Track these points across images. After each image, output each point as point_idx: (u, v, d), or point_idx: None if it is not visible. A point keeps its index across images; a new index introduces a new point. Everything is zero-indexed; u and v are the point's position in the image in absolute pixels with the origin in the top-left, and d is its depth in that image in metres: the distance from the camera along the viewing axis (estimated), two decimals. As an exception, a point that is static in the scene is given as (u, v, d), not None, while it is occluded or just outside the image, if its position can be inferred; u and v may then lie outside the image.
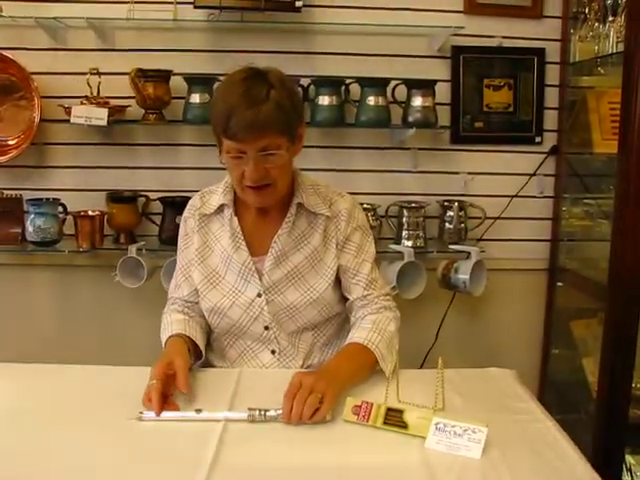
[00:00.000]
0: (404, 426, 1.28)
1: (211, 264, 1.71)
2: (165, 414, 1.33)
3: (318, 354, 1.75)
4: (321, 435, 1.29)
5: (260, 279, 1.67)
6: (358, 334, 1.61)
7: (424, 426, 1.26)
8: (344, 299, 1.75)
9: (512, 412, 1.39)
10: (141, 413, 1.33)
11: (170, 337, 1.63)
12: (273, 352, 1.71)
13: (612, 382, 2.21)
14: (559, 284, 2.67)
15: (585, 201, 2.62)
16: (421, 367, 2.60)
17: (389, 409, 1.31)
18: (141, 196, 2.61)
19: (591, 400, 2.42)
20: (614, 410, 2.23)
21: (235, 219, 1.68)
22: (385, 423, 1.29)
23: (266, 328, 1.69)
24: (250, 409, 1.32)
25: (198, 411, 1.33)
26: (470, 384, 1.52)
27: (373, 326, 1.63)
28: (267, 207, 1.68)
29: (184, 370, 1.44)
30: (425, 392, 1.44)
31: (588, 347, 2.50)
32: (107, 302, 2.69)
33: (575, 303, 2.61)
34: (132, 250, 2.47)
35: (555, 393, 2.62)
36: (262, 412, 1.31)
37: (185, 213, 1.78)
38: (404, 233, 2.56)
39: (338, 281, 1.72)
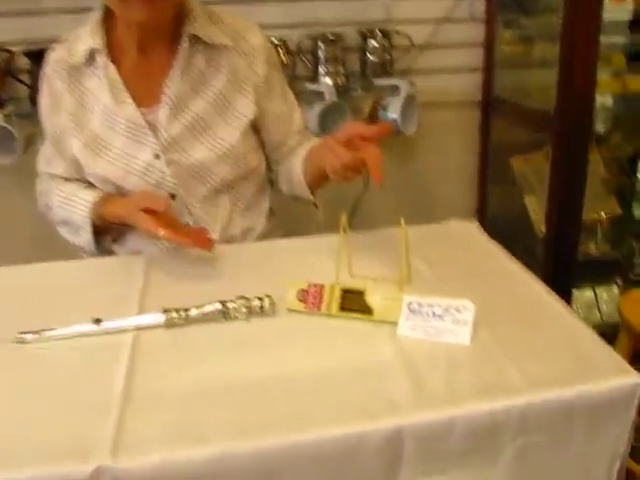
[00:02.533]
0: (367, 311, 0.99)
1: (92, 129, 1.33)
2: (53, 332, 0.99)
3: (240, 220, 1.44)
4: (261, 334, 0.99)
5: (155, 136, 1.30)
6: (314, 140, 1.45)
7: (393, 308, 0.98)
8: (260, 149, 1.46)
9: (490, 275, 1.13)
10: (22, 334, 0.98)
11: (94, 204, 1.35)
12: (186, 225, 1.38)
13: (561, 218, 2.01)
14: (495, 117, 2.39)
15: (522, 22, 2.30)
16: (351, 218, 2.33)
17: (345, 290, 1.01)
18: (1, 50, 2.11)
19: (536, 240, 2.25)
20: (563, 248, 2.05)
21: (111, 66, 1.30)
22: (342, 309, 1.01)
23: (172, 196, 1.34)
24: (166, 310, 1.00)
25: (97, 322, 0.99)
26: (430, 244, 1.24)
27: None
28: (150, 42, 1.31)
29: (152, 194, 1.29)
30: (380, 260, 1.17)
31: (530, 184, 2.28)
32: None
33: (514, 137, 2.35)
34: (-2, 117, 2.01)
35: (496, 235, 2.42)
36: (182, 312, 1.00)
37: (46, 70, 1.37)
38: (321, 69, 2.19)
39: (251, 129, 1.40)
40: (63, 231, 1.43)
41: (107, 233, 1.40)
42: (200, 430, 0.79)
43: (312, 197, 1.41)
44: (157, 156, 1.31)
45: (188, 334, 0.99)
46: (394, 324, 0.97)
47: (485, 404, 0.82)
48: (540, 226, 2.24)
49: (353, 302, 1.00)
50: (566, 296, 2.08)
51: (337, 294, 1.01)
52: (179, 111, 1.31)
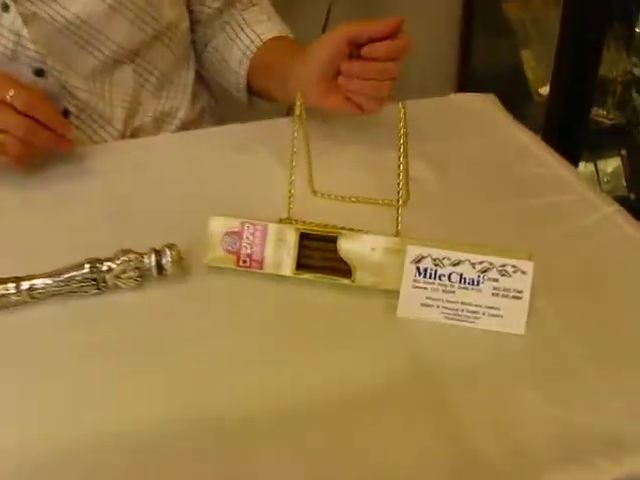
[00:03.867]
0: (344, 271, 0.55)
1: None
2: None
3: (151, 103, 0.94)
4: (162, 319, 0.55)
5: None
6: (267, 27, 0.94)
7: (389, 267, 0.54)
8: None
9: (529, 187, 0.69)
10: None
11: None
12: (65, 113, 0.89)
13: (573, 76, 1.55)
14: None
15: None
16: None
17: (305, 234, 0.57)
18: None
19: (532, 104, 1.80)
20: (573, 114, 1.61)
21: None
22: (301, 267, 0.57)
23: (39, 73, 0.84)
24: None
25: None
26: (429, 132, 0.78)
27: (272, 16, 0.97)
28: None
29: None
30: (357, 164, 0.72)
31: (527, 34, 1.79)
32: None
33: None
34: None
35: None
36: (23, 284, 0.55)
37: None
38: None
39: None
40: None
41: None
42: None
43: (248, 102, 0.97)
44: (5, 7, 0.80)
45: (31, 323, 0.54)
46: (391, 294, 0.54)
47: (573, 472, 0.42)
48: (538, 87, 1.79)
49: (319, 254, 0.56)
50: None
51: (291, 239, 0.57)
52: None
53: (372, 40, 0.72)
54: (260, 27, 0.95)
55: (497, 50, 1.90)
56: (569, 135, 1.63)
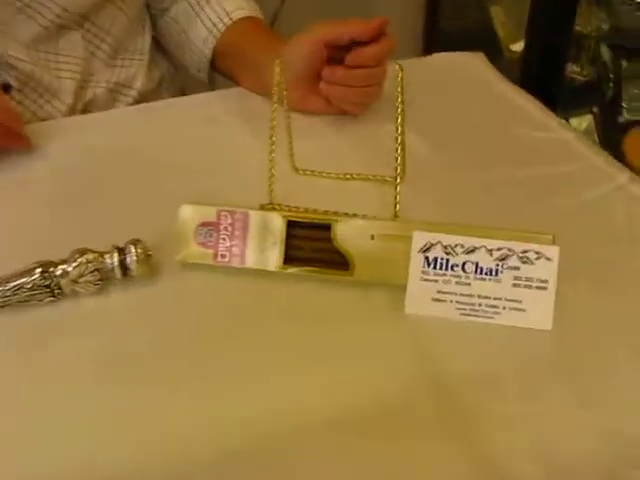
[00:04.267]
0: (339, 264, 0.48)
1: None
2: None
3: (104, 74, 0.83)
4: (128, 331, 0.46)
5: None
6: (236, 3, 0.83)
7: (393, 258, 0.47)
8: None
9: (532, 157, 0.62)
10: None
11: None
12: (6, 88, 0.78)
13: (547, 32, 1.48)
14: None
15: None
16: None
17: (293, 222, 0.49)
18: None
19: (503, 61, 1.72)
20: (547, 71, 1.54)
21: None
22: (289, 261, 0.49)
23: (-29, 42, 0.74)
24: None
25: None
26: (420, 98, 0.70)
27: None
28: None
29: None
30: (345, 139, 0.65)
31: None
32: None
33: None
34: None
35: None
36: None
37: None
38: None
39: None
40: None
41: None
42: None
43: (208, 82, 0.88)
44: None
45: None
46: (396, 289, 0.46)
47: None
48: (509, 44, 1.72)
49: (309, 245, 0.48)
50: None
51: (277, 229, 0.49)
52: None
53: (353, 41, 0.65)
54: (228, 3, 0.84)
55: (465, 6, 1.81)
56: (544, 92, 1.57)
